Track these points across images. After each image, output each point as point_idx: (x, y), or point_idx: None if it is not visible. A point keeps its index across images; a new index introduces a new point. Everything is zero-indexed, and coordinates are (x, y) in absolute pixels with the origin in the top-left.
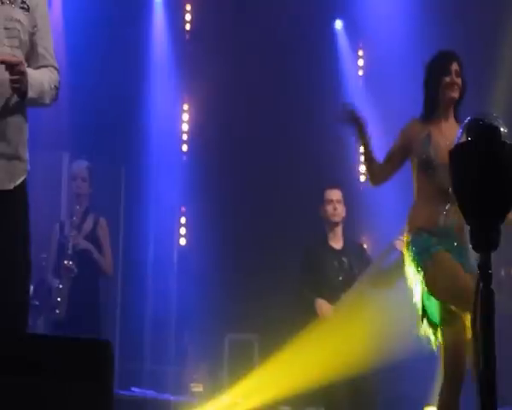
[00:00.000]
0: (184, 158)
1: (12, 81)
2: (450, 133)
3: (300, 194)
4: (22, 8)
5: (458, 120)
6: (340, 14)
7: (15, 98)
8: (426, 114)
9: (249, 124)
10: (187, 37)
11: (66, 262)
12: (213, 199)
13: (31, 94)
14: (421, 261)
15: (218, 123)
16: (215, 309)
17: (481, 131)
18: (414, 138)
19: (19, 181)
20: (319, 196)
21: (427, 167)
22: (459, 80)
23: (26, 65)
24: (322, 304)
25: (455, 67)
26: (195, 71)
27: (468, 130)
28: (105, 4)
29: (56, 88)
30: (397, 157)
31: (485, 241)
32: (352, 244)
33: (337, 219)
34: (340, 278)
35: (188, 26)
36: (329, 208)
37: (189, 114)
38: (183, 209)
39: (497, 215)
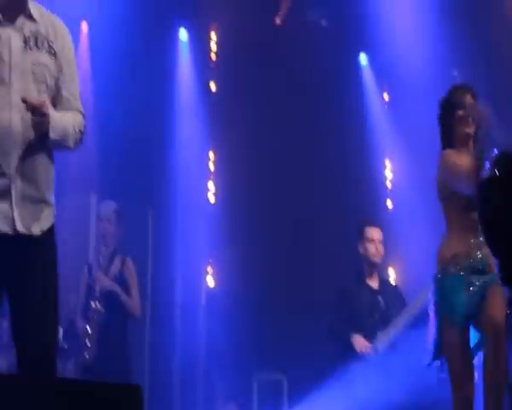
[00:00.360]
0: (211, 200)
1: (33, 122)
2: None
3: (329, 229)
4: (49, 52)
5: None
6: (364, 49)
7: (43, 140)
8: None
9: (277, 164)
10: (213, 79)
11: (93, 304)
12: (241, 239)
13: (53, 136)
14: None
15: (244, 167)
16: (244, 349)
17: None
18: None
19: (46, 226)
20: (347, 230)
21: (466, 202)
22: (474, 113)
23: (49, 107)
24: (359, 340)
25: (469, 99)
26: (221, 114)
27: (496, 164)
28: (131, 49)
29: (81, 132)
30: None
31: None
32: (387, 284)
33: (378, 259)
34: (375, 318)
35: (213, 65)
36: (371, 248)
37: (216, 159)
38: (211, 250)
39: None
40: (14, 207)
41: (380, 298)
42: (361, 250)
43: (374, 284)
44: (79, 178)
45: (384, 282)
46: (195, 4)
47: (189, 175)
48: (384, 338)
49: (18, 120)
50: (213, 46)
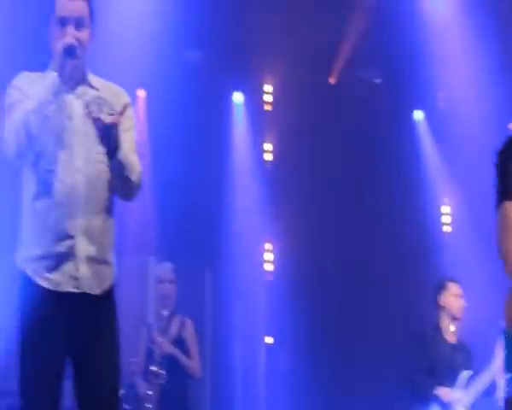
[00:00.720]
0: (269, 268)
1: (104, 133)
2: None
3: (388, 272)
4: (110, 114)
5: None
6: (418, 104)
7: (105, 201)
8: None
9: (335, 221)
10: (268, 138)
11: (154, 368)
12: (300, 296)
13: (120, 155)
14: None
15: (303, 228)
16: (306, 406)
17: None
18: None
19: (107, 286)
20: (404, 273)
21: None
22: None
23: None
24: (446, 391)
25: None
26: (277, 174)
27: None
28: (187, 113)
29: (141, 174)
30: None
31: None
32: (464, 342)
33: (460, 314)
34: (453, 374)
35: (268, 124)
36: (456, 303)
37: (273, 222)
38: (269, 309)
39: None
40: (79, 268)
41: (458, 354)
42: (442, 303)
43: (452, 339)
44: (137, 239)
45: (461, 338)
46: (250, 67)
47: (247, 238)
48: (465, 397)
49: (81, 183)
50: (268, 107)
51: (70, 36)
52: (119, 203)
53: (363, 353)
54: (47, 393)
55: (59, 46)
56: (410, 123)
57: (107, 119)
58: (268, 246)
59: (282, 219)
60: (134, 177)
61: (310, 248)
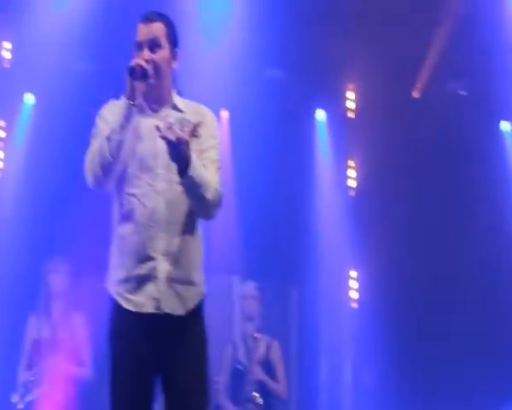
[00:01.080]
0: (354, 299)
1: (174, 149)
2: None
3: (483, 308)
4: (193, 136)
5: None
6: (505, 116)
7: (186, 222)
8: None
9: (418, 238)
10: (351, 154)
11: (256, 394)
12: (389, 320)
13: (192, 172)
14: None
15: (389, 250)
16: None
17: None
18: None
19: (191, 306)
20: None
21: None
22: None
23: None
24: None
25: None
26: (361, 202)
27: None
28: (270, 132)
29: (218, 194)
30: None
31: None
32: None
33: None
34: None
35: (351, 140)
36: None
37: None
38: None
39: None
40: (160, 289)
41: None
42: None
43: None
44: (222, 258)
45: None
46: (332, 85)
47: (332, 259)
48: None
49: (163, 206)
50: (350, 122)
51: (139, 58)
52: (205, 223)
53: (452, 374)
54: (129, 401)
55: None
56: (498, 134)
57: (174, 135)
58: (353, 273)
59: (366, 243)
60: (209, 195)
61: (395, 274)
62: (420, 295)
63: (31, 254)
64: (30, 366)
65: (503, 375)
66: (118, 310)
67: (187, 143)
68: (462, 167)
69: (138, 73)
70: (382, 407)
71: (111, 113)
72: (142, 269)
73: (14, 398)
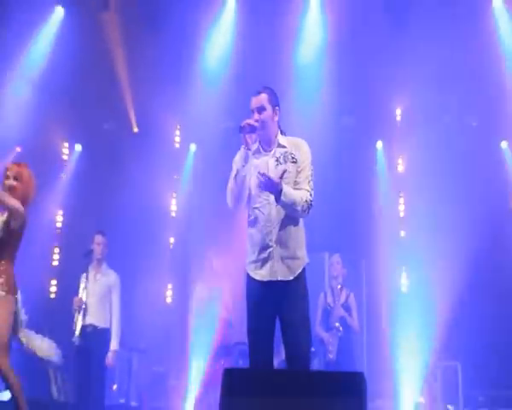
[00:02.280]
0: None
1: (271, 183)
2: None
3: None
4: (292, 162)
5: None
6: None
7: (290, 220)
8: None
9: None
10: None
11: (337, 324)
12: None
13: (283, 198)
14: None
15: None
16: None
17: None
18: None
19: (297, 272)
20: None
21: None
22: None
23: (281, 181)
24: None
25: None
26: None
27: None
28: (341, 162)
29: (307, 203)
30: None
31: None
32: None
33: None
34: None
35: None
36: None
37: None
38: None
39: None
40: (275, 265)
41: None
42: None
43: None
44: (319, 240)
45: None
46: (389, 128)
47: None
48: None
49: (274, 212)
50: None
51: (250, 119)
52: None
53: None
54: (266, 344)
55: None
56: (499, 153)
57: (267, 176)
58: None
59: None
60: (299, 207)
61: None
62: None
63: None
64: None
65: None
66: (251, 280)
67: (278, 183)
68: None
69: (247, 129)
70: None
71: (238, 158)
72: (264, 254)
73: None
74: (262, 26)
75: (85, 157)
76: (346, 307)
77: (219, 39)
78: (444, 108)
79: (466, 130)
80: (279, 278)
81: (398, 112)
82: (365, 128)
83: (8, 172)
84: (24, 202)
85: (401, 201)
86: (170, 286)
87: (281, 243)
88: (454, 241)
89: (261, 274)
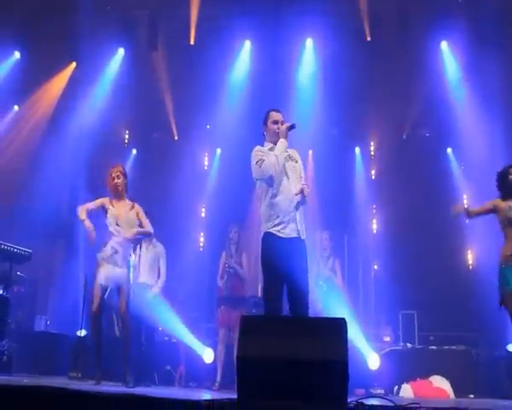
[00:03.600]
0: (374, 230)
1: (302, 195)
2: None
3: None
4: (295, 161)
5: None
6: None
7: (301, 199)
8: (502, 195)
9: (415, 214)
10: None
11: (320, 282)
12: (396, 241)
13: (306, 199)
14: (502, 290)
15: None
16: None
17: None
18: (500, 207)
19: (305, 235)
20: None
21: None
22: None
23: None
24: None
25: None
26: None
27: None
28: (329, 161)
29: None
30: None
31: None
32: None
33: None
34: None
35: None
36: None
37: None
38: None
39: None
40: (298, 226)
41: None
42: None
43: None
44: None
45: None
46: (363, 134)
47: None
48: None
49: (293, 191)
50: (372, 154)
51: (284, 124)
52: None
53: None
54: (278, 293)
55: (284, 127)
56: (446, 157)
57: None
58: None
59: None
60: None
61: (399, 227)
62: (412, 231)
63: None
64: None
65: None
66: (277, 238)
67: (306, 190)
68: (427, 178)
69: (293, 127)
70: (390, 289)
71: (263, 150)
72: (288, 217)
73: None
74: (270, 60)
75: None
76: (333, 270)
77: (240, 68)
78: (404, 121)
79: (421, 139)
80: (301, 237)
81: (371, 125)
82: (347, 137)
83: (113, 174)
84: (126, 192)
85: (373, 191)
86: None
87: (298, 210)
88: (414, 218)
89: (285, 233)
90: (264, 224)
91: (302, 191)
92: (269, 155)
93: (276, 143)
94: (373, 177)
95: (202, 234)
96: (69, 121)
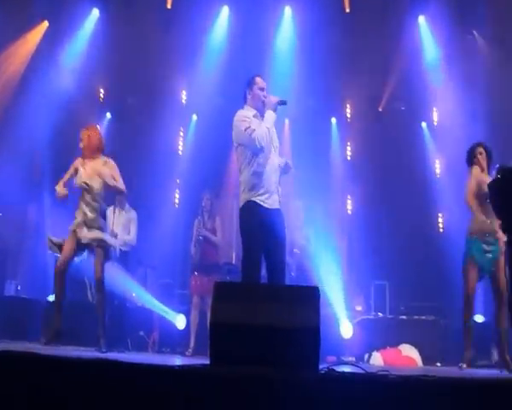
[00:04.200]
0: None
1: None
2: (486, 179)
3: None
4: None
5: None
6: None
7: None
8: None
9: (387, 186)
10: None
11: (295, 250)
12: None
13: (289, 170)
14: (464, 260)
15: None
16: None
17: (504, 172)
18: (482, 180)
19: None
20: None
21: (484, 197)
22: (484, 154)
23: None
24: None
25: (480, 149)
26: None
27: (498, 172)
28: (307, 129)
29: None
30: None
31: (510, 228)
32: None
33: None
34: None
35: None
36: None
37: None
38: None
39: None
40: (280, 198)
41: None
42: None
43: None
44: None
45: None
46: (339, 103)
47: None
48: None
49: (275, 162)
50: (348, 121)
51: (272, 96)
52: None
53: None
54: (258, 261)
55: (274, 100)
56: (420, 131)
57: None
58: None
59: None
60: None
61: (372, 200)
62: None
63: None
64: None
65: None
66: (260, 207)
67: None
68: (402, 150)
69: (284, 104)
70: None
71: (270, 118)
72: (271, 188)
73: None
74: (249, 27)
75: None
76: (307, 239)
77: (217, 34)
78: (380, 93)
79: (396, 112)
80: (279, 207)
81: (347, 97)
82: (323, 108)
83: (80, 136)
84: (99, 151)
85: (348, 161)
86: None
87: (278, 183)
88: (387, 189)
89: (269, 203)
90: (246, 192)
91: (287, 164)
92: (259, 126)
93: (258, 111)
94: (348, 147)
95: (177, 196)
96: (41, 82)
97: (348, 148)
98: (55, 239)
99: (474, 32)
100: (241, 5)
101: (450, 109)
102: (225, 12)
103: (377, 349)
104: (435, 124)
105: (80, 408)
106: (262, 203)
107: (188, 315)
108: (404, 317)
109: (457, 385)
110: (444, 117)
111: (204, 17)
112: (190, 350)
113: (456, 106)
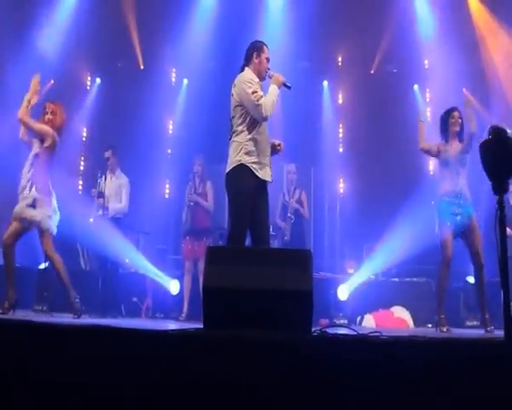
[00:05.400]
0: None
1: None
2: (455, 148)
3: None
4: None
5: (461, 140)
6: (415, 82)
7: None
8: (444, 139)
9: (377, 155)
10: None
11: (290, 215)
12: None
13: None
14: (439, 222)
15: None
16: None
17: (495, 133)
18: (441, 149)
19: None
20: None
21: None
22: (459, 120)
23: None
24: None
25: (456, 114)
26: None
27: (489, 133)
28: (298, 96)
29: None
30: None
31: (500, 188)
32: None
33: None
34: None
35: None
36: None
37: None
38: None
39: (505, 176)
40: (269, 169)
41: None
42: None
43: None
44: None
45: None
46: (333, 66)
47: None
48: None
49: (269, 140)
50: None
51: (279, 74)
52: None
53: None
54: (246, 230)
55: (281, 79)
56: (412, 93)
57: None
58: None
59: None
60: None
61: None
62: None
63: None
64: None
65: None
66: (253, 176)
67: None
68: (394, 110)
69: (288, 88)
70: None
71: (254, 80)
72: (265, 160)
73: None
74: None
75: (104, 87)
76: (299, 202)
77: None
78: (372, 56)
79: (388, 74)
80: (269, 179)
81: (339, 59)
82: (315, 70)
83: (47, 109)
84: (58, 130)
85: (340, 125)
86: (167, 185)
87: (270, 154)
88: (379, 151)
89: (261, 174)
90: (241, 154)
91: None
92: (267, 95)
93: (261, 79)
94: (340, 105)
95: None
96: (29, 49)
97: (339, 99)
98: None
99: None
100: None
101: (442, 71)
102: None
103: (369, 312)
104: (426, 87)
105: (74, 375)
106: (255, 172)
107: (181, 281)
108: (395, 279)
109: (445, 346)
110: (435, 80)
111: None
112: (184, 315)
113: (448, 68)
